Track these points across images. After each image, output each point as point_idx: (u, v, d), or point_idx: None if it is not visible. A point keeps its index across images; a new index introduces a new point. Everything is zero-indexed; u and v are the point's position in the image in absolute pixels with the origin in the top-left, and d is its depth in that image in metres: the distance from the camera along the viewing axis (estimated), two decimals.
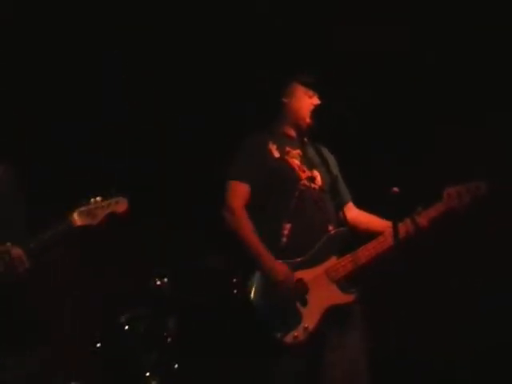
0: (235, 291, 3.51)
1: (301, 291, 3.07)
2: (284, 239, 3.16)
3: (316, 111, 3.38)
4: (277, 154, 3.32)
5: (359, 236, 3.34)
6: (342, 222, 3.34)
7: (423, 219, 3.23)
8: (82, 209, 3.09)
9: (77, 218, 3.06)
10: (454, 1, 4.57)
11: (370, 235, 3.26)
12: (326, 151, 3.54)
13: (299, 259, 3.13)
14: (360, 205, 3.54)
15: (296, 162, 3.33)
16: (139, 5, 4.61)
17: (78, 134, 4.90)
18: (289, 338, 2.98)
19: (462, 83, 4.81)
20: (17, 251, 2.93)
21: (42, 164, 4.77)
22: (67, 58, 4.76)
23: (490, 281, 4.66)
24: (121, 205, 3.15)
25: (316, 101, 3.41)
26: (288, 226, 3.18)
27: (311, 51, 4.78)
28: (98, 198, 3.14)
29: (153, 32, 4.76)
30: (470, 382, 4.63)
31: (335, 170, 3.49)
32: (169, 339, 3.80)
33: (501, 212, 4.41)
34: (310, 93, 3.43)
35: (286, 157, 3.32)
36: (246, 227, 3.16)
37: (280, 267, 3.07)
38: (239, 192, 3.24)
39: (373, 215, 3.44)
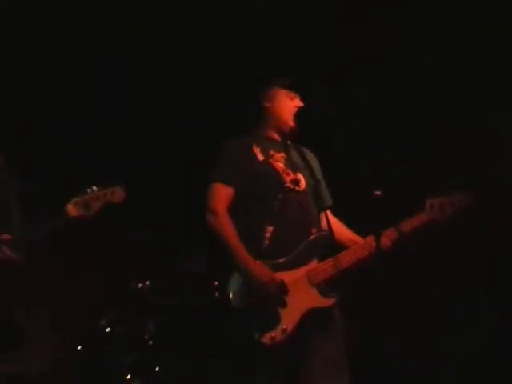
0: (216, 294, 3.51)
1: (281, 293, 3.06)
2: (266, 242, 3.16)
3: (299, 113, 3.39)
4: (261, 157, 3.32)
5: None
6: (325, 225, 3.34)
7: (405, 228, 3.23)
8: (78, 199, 3.07)
9: (72, 209, 3.05)
10: (453, 1, 4.61)
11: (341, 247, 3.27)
12: (309, 154, 3.54)
13: (280, 260, 3.13)
14: (343, 208, 3.52)
15: (280, 165, 3.33)
16: (139, 5, 4.66)
17: (78, 133, 4.96)
18: (266, 339, 2.97)
19: (461, 83, 4.83)
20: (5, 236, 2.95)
21: (41, 164, 4.83)
22: (67, 57, 4.83)
23: (469, 288, 4.65)
24: (117, 195, 3.12)
25: (298, 103, 3.42)
26: (270, 228, 3.17)
27: (311, 51, 4.82)
28: (95, 188, 3.11)
29: (153, 32, 4.81)
30: None
31: (318, 173, 3.49)
32: (150, 342, 3.79)
33: (481, 219, 4.39)
34: (292, 95, 3.44)
35: (271, 160, 3.33)
36: (228, 230, 3.15)
37: (261, 269, 3.06)
38: (222, 195, 3.24)
39: (344, 227, 3.45)
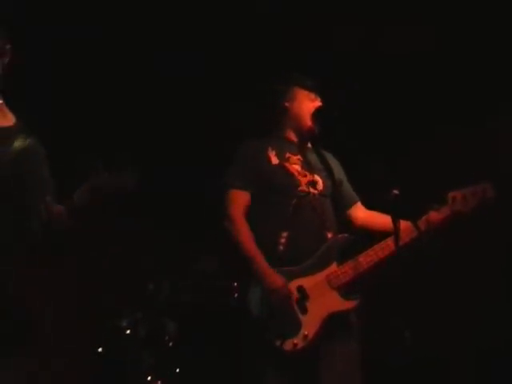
0: (236, 295, 3.49)
1: (301, 298, 3.05)
2: (281, 247, 3.14)
3: (318, 114, 3.35)
4: (275, 161, 3.28)
5: (367, 238, 3.31)
6: (345, 226, 3.34)
7: (427, 224, 3.17)
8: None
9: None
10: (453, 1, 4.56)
11: (384, 234, 3.20)
12: (330, 156, 3.51)
13: (299, 266, 3.11)
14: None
15: (296, 167, 3.30)
16: (139, 4, 4.57)
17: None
18: (288, 346, 2.96)
19: (462, 84, 4.82)
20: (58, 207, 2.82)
21: None
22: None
23: (487, 280, 4.68)
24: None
25: (318, 104, 3.39)
26: (285, 234, 3.15)
27: (311, 51, 4.77)
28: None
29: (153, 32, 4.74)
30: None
31: (340, 174, 3.47)
32: (170, 343, 3.78)
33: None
34: (312, 96, 3.41)
35: (286, 163, 3.29)
36: (246, 237, 3.13)
37: (276, 279, 3.03)
38: (239, 201, 3.22)
39: (382, 215, 3.35)
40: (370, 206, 3.48)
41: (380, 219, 3.36)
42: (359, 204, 3.47)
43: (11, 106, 3.13)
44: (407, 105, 4.99)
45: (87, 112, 5.08)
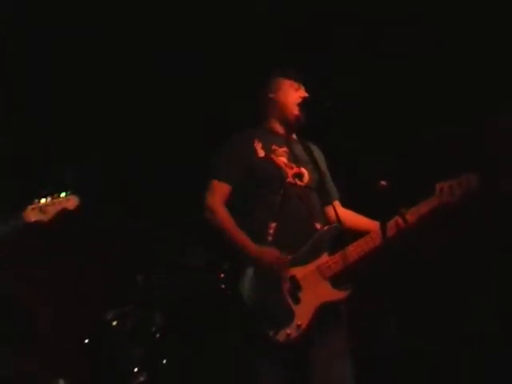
0: (223, 286, 3.46)
1: (293, 288, 3.01)
2: (269, 238, 3.10)
3: (303, 104, 3.33)
4: (261, 154, 3.26)
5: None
6: (329, 219, 3.32)
7: (414, 216, 3.16)
8: (34, 206, 3.32)
9: (29, 214, 3.30)
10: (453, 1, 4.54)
11: (356, 234, 3.21)
12: (314, 148, 3.49)
13: (290, 256, 3.07)
14: (348, 200, 3.49)
15: (283, 159, 3.28)
16: (139, 4, 4.58)
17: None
18: (281, 336, 2.92)
19: (461, 84, 4.81)
20: None
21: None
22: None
23: (478, 272, 4.64)
24: (72, 202, 3.38)
25: (303, 93, 3.38)
26: (273, 224, 3.12)
27: (311, 51, 4.77)
28: (49, 198, 3.36)
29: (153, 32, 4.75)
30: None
31: (323, 167, 3.44)
32: (157, 335, 3.76)
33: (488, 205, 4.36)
34: (296, 85, 3.40)
35: (272, 155, 3.27)
36: (227, 223, 3.12)
37: (265, 250, 3.03)
38: (218, 191, 3.20)
39: (360, 215, 3.40)
40: (356, 197, 3.45)
41: (355, 218, 3.37)
42: (337, 202, 3.44)
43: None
44: (407, 105, 4.98)
45: (87, 112, 5.10)
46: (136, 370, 3.64)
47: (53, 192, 3.35)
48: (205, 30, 4.79)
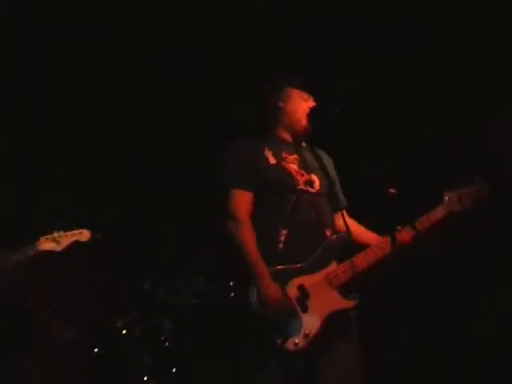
0: (232, 294, 3.47)
1: (302, 297, 3.03)
2: (280, 245, 3.10)
3: (312, 114, 3.35)
4: (273, 161, 3.26)
5: None
6: (337, 227, 3.33)
7: (423, 224, 3.21)
8: (48, 236, 3.64)
9: (43, 244, 3.61)
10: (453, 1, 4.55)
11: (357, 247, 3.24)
12: (324, 155, 3.50)
13: (299, 265, 3.09)
14: (356, 207, 3.51)
15: (293, 166, 3.28)
16: (139, 4, 4.56)
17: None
18: (289, 345, 2.94)
19: (461, 84, 4.82)
20: None
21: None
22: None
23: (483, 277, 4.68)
24: (84, 235, 3.75)
25: (311, 103, 3.39)
26: (284, 231, 3.12)
27: (311, 51, 4.76)
28: (62, 231, 3.68)
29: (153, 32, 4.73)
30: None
31: (333, 173, 3.46)
32: (166, 343, 3.77)
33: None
34: (305, 96, 3.41)
35: (283, 162, 3.28)
36: (249, 241, 3.08)
37: (273, 290, 2.97)
38: (243, 200, 3.18)
39: (363, 227, 3.42)
40: (367, 206, 3.47)
41: (358, 230, 3.39)
42: (344, 212, 3.43)
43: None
44: (407, 105, 4.98)
45: (87, 112, 5.08)
46: (145, 378, 3.66)
47: (64, 229, 3.67)
48: (205, 29, 4.78)
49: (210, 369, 4.00)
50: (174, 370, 3.76)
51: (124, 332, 3.79)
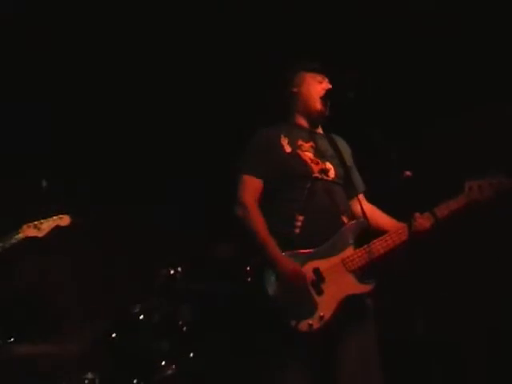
0: (249, 279, 3.48)
1: (317, 280, 3.03)
2: (297, 230, 3.12)
3: (329, 96, 3.35)
4: (288, 149, 3.29)
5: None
6: (354, 213, 3.33)
7: (443, 212, 3.20)
8: (30, 224, 3.79)
9: (25, 231, 3.76)
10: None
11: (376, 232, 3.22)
12: (340, 141, 3.50)
13: (316, 249, 3.10)
14: (373, 192, 3.50)
15: (309, 154, 3.30)
16: (139, 4, 4.58)
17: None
18: (304, 326, 2.94)
19: (483, 71, 4.79)
20: None
21: None
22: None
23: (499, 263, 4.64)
24: (64, 220, 3.88)
25: (327, 85, 3.39)
26: (301, 217, 3.14)
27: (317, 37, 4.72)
28: (43, 219, 3.84)
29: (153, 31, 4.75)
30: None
31: (349, 160, 3.46)
32: (184, 328, 3.79)
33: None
34: (319, 78, 3.41)
35: (298, 150, 3.29)
36: (258, 222, 3.12)
37: (288, 264, 3.01)
38: (252, 187, 3.22)
39: (381, 212, 3.40)
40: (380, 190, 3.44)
41: (377, 215, 3.37)
42: (362, 196, 3.44)
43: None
44: (420, 95, 4.95)
45: (87, 112, 5.11)
46: (163, 363, 3.68)
47: (44, 217, 3.83)
48: (205, 29, 4.78)
49: (226, 354, 4.02)
50: (191, 355, 3.76)
51: (142, 317, 3.80)
